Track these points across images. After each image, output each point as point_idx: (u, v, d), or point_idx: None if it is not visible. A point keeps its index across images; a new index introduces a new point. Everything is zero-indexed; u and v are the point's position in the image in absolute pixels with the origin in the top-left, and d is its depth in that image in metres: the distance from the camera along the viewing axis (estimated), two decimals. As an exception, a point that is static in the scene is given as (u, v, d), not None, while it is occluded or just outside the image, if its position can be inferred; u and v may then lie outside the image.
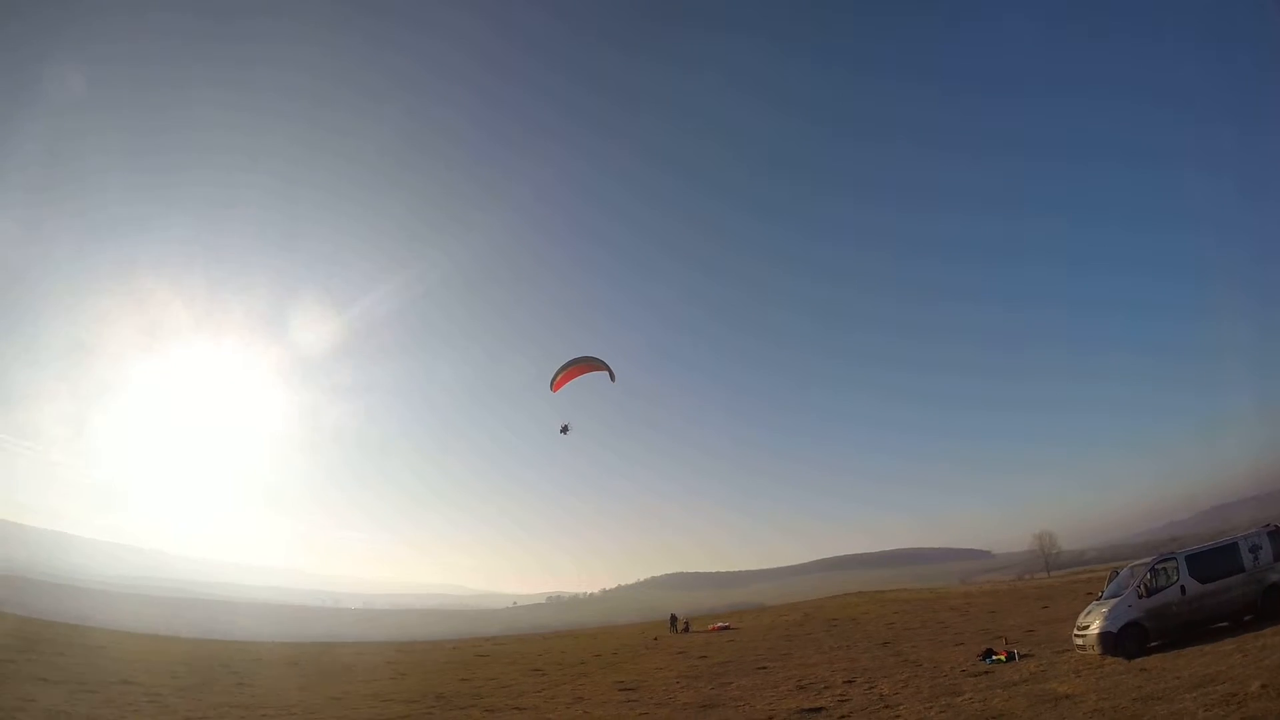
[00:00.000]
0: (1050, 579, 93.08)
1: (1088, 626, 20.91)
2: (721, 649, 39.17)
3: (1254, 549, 21.17)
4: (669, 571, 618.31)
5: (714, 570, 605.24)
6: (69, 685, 24.06)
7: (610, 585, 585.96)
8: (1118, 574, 23.36)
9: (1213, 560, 21.25)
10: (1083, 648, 20.90)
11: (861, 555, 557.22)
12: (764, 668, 28.94)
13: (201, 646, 49.82)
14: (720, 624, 60.25)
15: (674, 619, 62.96)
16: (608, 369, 38.37)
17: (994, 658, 23.16)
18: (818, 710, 18.63)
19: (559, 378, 37.99)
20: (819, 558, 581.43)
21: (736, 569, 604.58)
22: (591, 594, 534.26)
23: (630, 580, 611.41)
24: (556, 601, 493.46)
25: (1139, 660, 18.76)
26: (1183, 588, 20.68)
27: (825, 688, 22.07)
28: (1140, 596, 20.52)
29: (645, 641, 51.32)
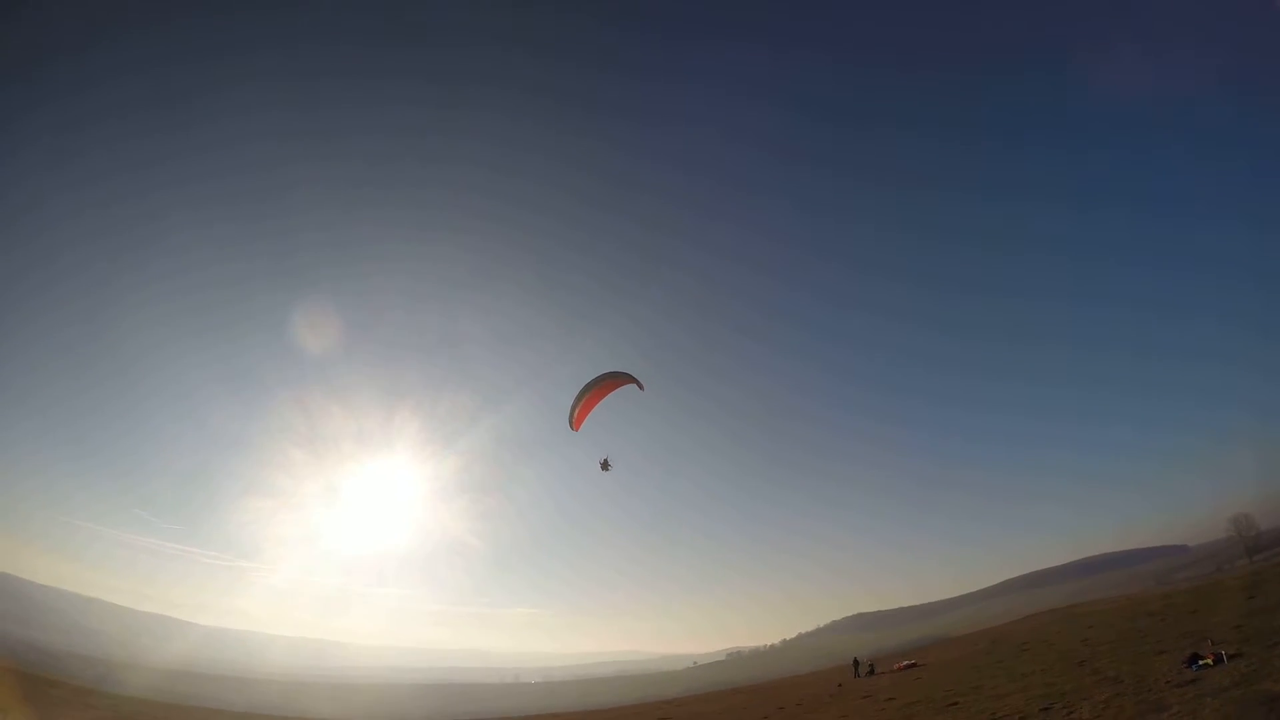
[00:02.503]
0: (1254, 565, 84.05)
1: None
2: (909, 688, 37.23)
3: None
4: (849, 614, 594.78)
5: (896, 607, 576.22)
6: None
7: (790, 635, 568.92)
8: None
9: None
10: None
11: (1048, 571, 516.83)
12: (954, 704, 27.27)
13: None
14: (906, 662, 57.45)
15: (857, 662, 60.63)
16: (634, 380, 34.29)
17: (1200, 663, 21.11)
18: None
19: (578, 413, 34.18)
20: (1003, 579, 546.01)
21: (918, 602, 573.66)
22: (771, 646, 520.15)
23: (809, 628, 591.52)
24: (737, 657, 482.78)
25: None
26: None
27: (1021, 718, 20.71)
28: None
29: (829, 689, 49.56)
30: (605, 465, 35.58)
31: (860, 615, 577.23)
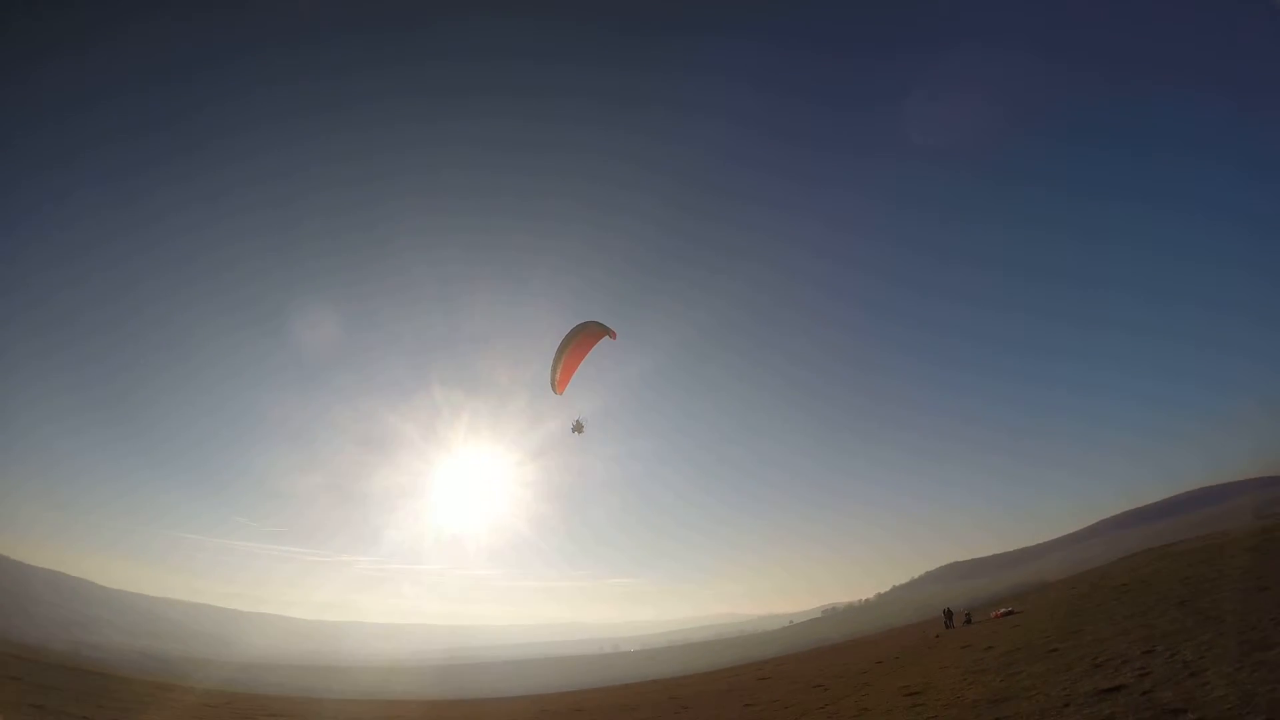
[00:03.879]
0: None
1: None
2: (1007, 636, 36.62)
3: None
4: (943, 564, 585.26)
5: (989, 554, 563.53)
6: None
7: (884, 589, 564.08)
8: None
9: None
10: None
11: (1141, 510, 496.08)
12: (1054, 650, 26.84)
13: (482, 706, 52.54)
14: (1003, 610, 56.54)
15: (948, 613, 60.10)
16: (606, 331, 31.15)
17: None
18: (1117, 689, 17.09)
19: (559, 375, 31.47)
20: (1096, 520, 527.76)
21: (1012, 549, 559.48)
22: (866, 600, 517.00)
23: (903, 580, 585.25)
24: (832, 613, 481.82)
25: None
26: None
27: (1123, 662, 20.26)
28: None
29: (926, 641, 49.33)
30: (579, 427, 32.79)
31: (954, 565, 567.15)
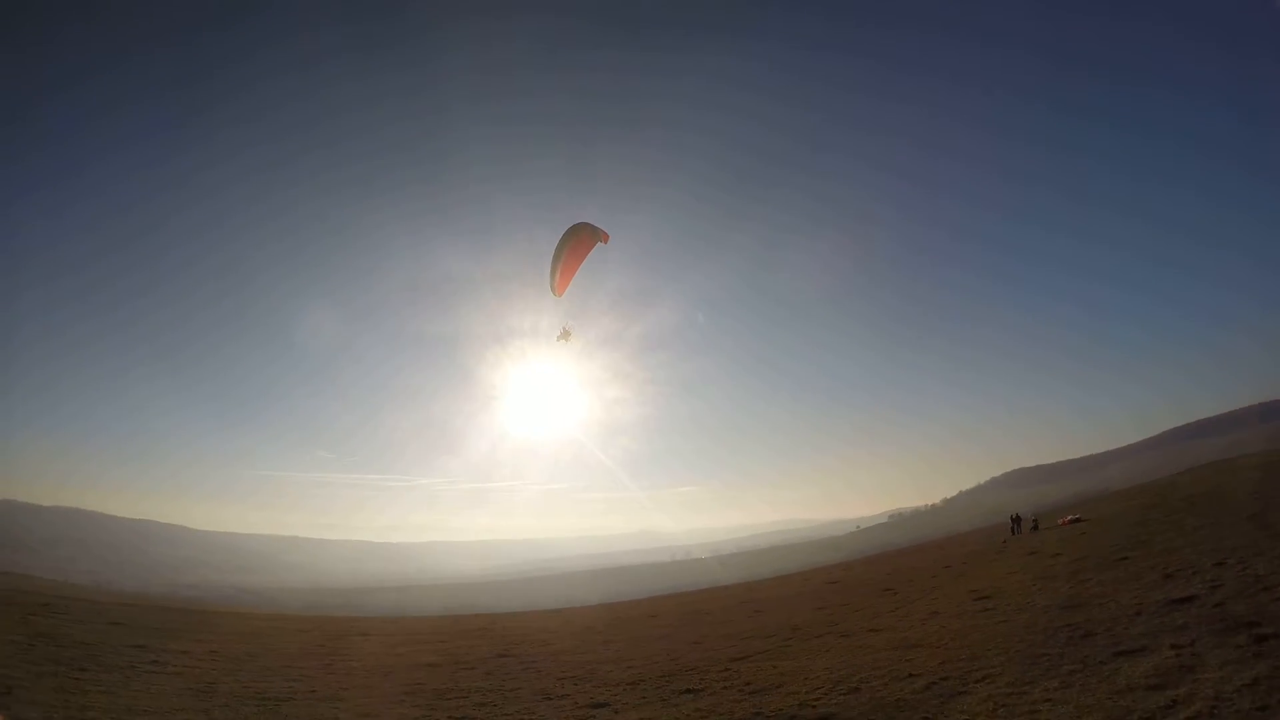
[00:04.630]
0: None
1: None
2: (1075, 544, 36.82)
3: None
4: (1008, 469, 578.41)
5: (1055, 461, 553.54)
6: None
7: (950, 493, 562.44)
8: None
9: None
10: None
11: (1211, 420, 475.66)
12: (1124, 559, 27.05)
13: (552, 616, 53.02)
14: (1071, 516, 56.51)
15: (1016, 519, 60.42)
16: (599, 234, 30.05)
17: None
18: (1189, 600, 17.48)
19: (559, 278, 30.47)
20: (1164, 429, 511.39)
21: (1078, 455, 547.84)
22: (932, 505, 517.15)
23: (970, 485, 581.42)
24: (898, 518, 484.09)
25: None
26: None
27: (1194, 573, 20.54)
28: None
29: (994, 546, 49.77)
30: (565, 335, 31.77)
31: (1019, 470, 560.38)
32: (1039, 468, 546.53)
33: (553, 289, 30.49)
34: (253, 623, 45.06)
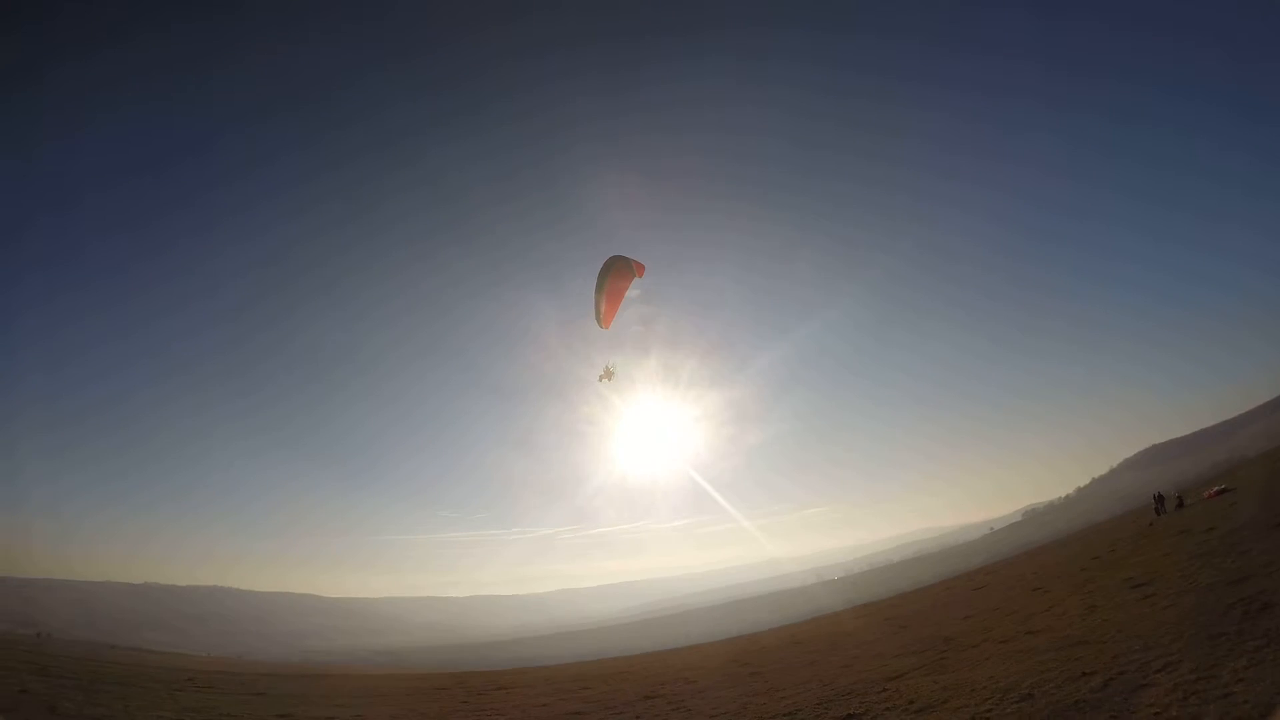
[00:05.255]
0: None
1: None
2: (1227, 516, 34.39)
3: None
4: (1140, 449, 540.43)
5: (1187, 433, 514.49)
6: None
7: (1083, 482, 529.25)
8: None
9: None
10: None
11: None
12: (1283, 524, 25.65)
13: (691, 653, 51.28)
14: (1216, 488, 53.08)
15: (1159, 498, 57.06)
16: (635, 267, 29.37)
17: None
18: None
19: (604, 310, 29.97)
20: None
21: (1209, 424, 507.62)
22: (1066, 496, 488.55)
23: (1102, 470, 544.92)
24: (1033, 514, 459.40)
25: None
26: None
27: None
28: None
29: (1140, 530, 47.10)
30: (607, 374, 31.03)
31: (1151, 448, 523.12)
32: (1171, 443, 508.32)
33: (599, 321, 30.30)
34: (391, 684, 45.91)
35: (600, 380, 31.17)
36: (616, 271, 29.70)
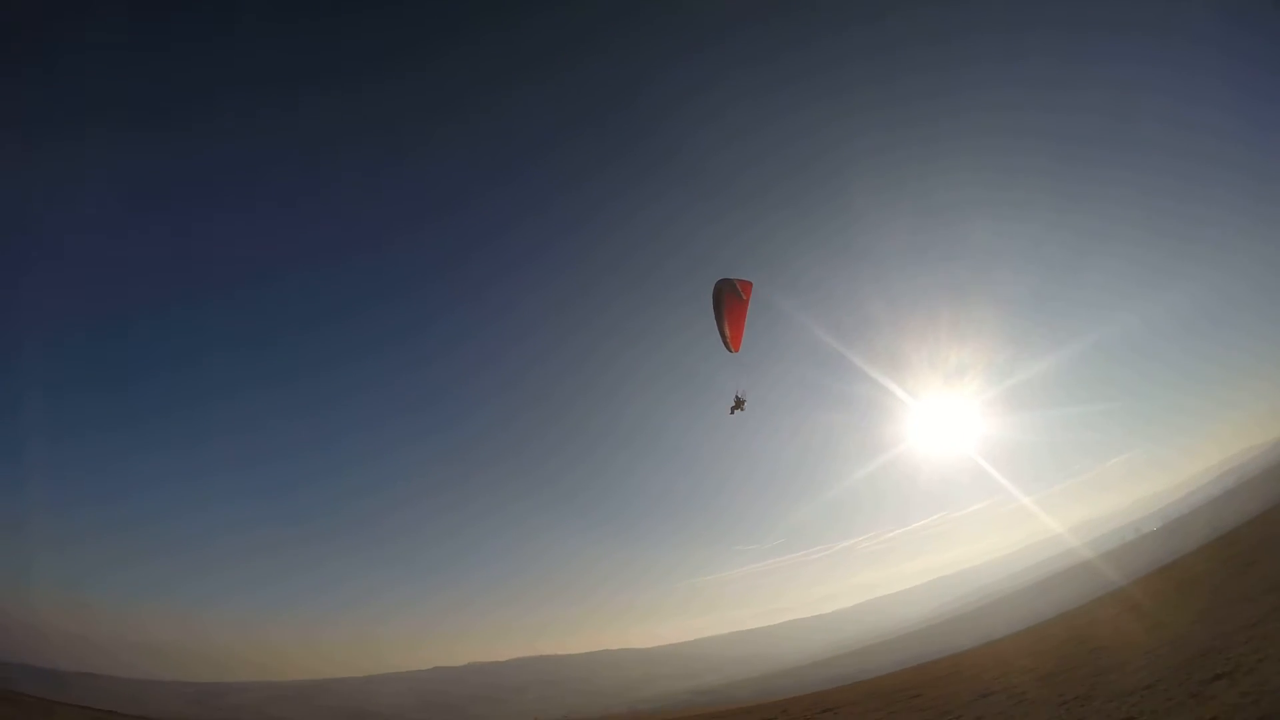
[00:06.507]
0: None
1: None
2: None
3: None
4: None
5: None
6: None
7: None
8: None
9: None
10: None
11: None
12: None
13: (1018, 639, 48.53)
14: None
15: None
16: (740, 286, 29.10)
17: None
18: None
19: (730, 333, 29.69)
20: None
21: None
22: None
23: None
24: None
25: None
26: None
27: None
28: None
29: None
30: (739, 404, 31.18)
31: None
32: None
33: (726, 345, 30.48)
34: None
35: (732, 412, 31.66)
36: (728, 295, 30.32)
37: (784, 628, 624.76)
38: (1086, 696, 19.11)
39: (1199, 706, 14.08)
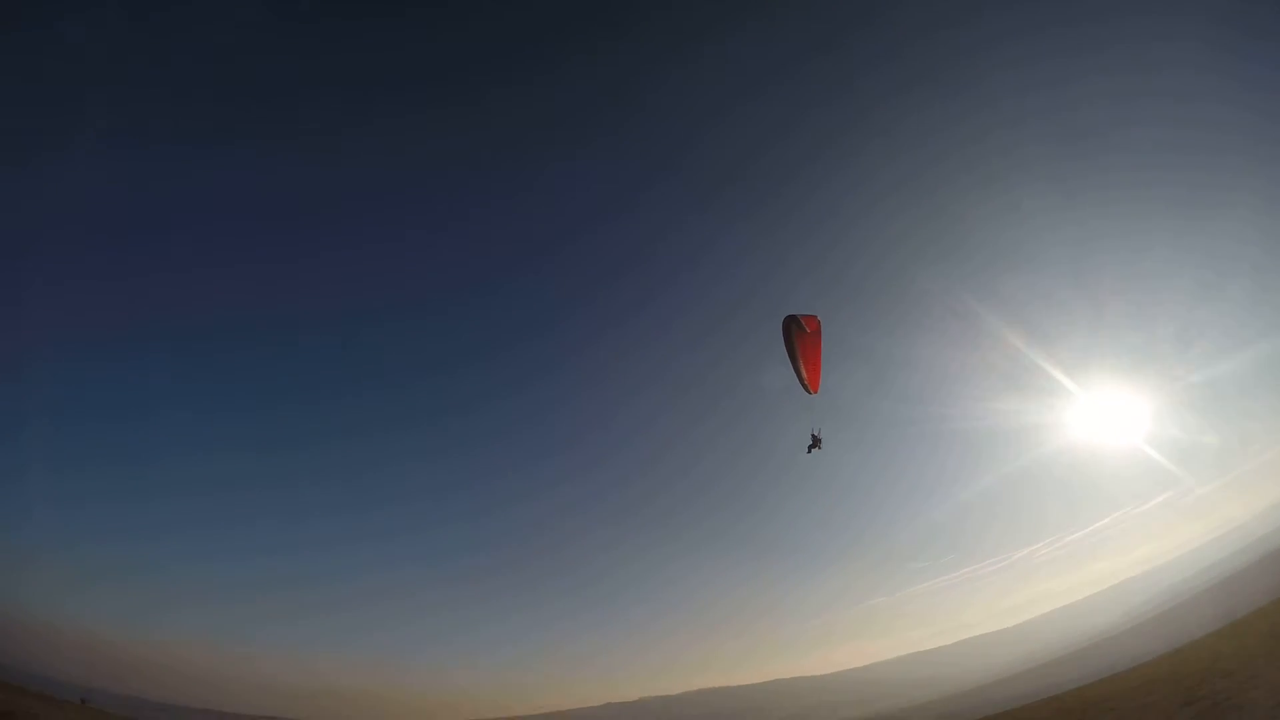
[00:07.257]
0: None
1: None
2: None
3: None
4: None
5: None
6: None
7: None
8: None
9: None
10: None
11: None
12: None
13: (1221, 639, 44.55)
14: None
15: None
16: (804, 321, 27.95)
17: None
18: None
19: (807, 375, 28.74)
20: None
21: None
22: None
23: None
24: None
25: None
26: None
27: None
28: None
29: None
30: (816, 443, 30.00)
31: None
32: None
33: (805, 387, 29.86)
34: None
35: (809, 451, 30.89)
36: (798, 334, 29.73)
37: (965, 645, 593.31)
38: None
39: None
